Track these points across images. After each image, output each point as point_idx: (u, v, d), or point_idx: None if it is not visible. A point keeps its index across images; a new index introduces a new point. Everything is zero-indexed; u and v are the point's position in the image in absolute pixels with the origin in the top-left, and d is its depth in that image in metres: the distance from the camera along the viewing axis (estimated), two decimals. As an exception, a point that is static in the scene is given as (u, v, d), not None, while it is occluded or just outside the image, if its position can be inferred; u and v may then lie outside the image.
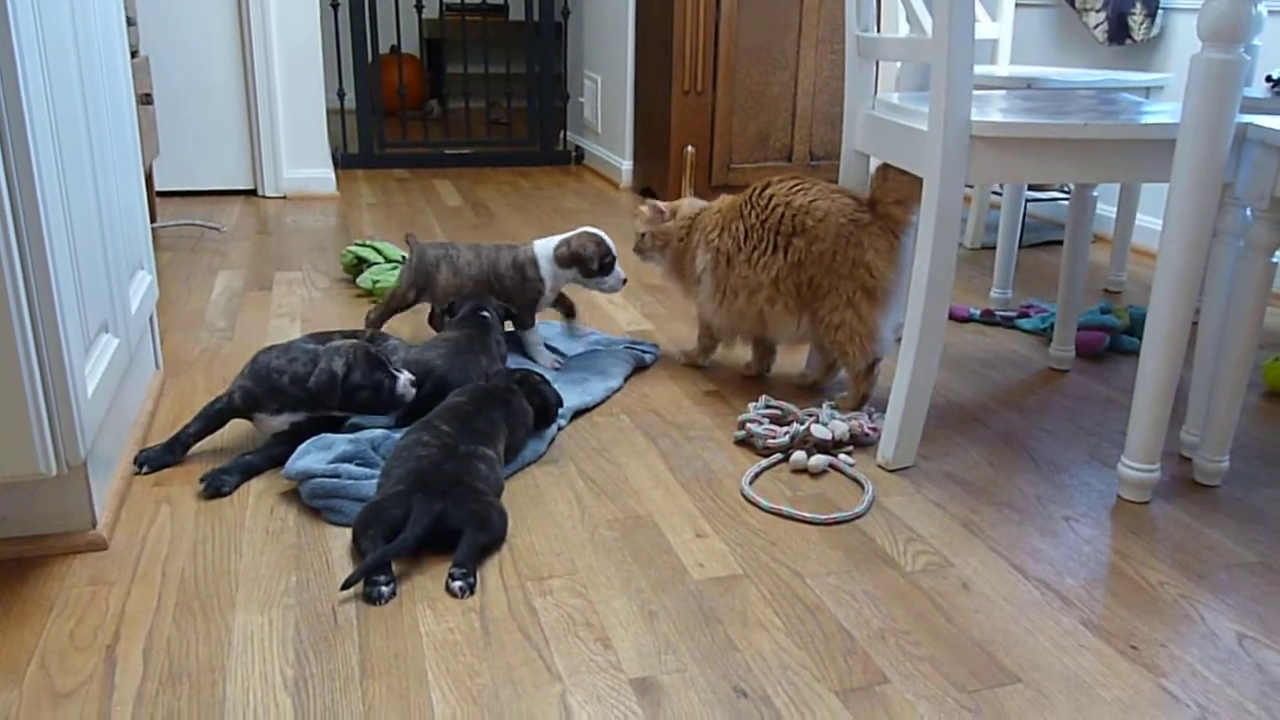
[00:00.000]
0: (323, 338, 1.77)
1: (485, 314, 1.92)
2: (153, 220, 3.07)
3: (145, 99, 2.87)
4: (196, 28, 3.60)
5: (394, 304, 2.10)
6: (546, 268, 2.03)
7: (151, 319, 1.88)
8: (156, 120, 3.50)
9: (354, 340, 1.66)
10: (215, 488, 1.51)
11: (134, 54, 2.82)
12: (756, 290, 1.87)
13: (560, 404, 1.71)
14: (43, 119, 1.21)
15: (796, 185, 1.86)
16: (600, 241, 2.04)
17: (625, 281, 2.07)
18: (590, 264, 2.02)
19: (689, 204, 2.06)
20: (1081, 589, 1.33)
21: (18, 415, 1.20)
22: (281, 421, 1.60)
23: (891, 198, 1.77)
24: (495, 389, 1.60)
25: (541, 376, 1.71)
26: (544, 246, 2.05)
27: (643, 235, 2.05)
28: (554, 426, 1.73)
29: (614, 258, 2.05)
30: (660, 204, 2.05)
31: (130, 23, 2.80)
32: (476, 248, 2.08)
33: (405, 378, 1.60)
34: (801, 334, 1.89)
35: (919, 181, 1.59)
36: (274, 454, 1.58)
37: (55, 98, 1.27)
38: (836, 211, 1.80)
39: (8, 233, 1.14)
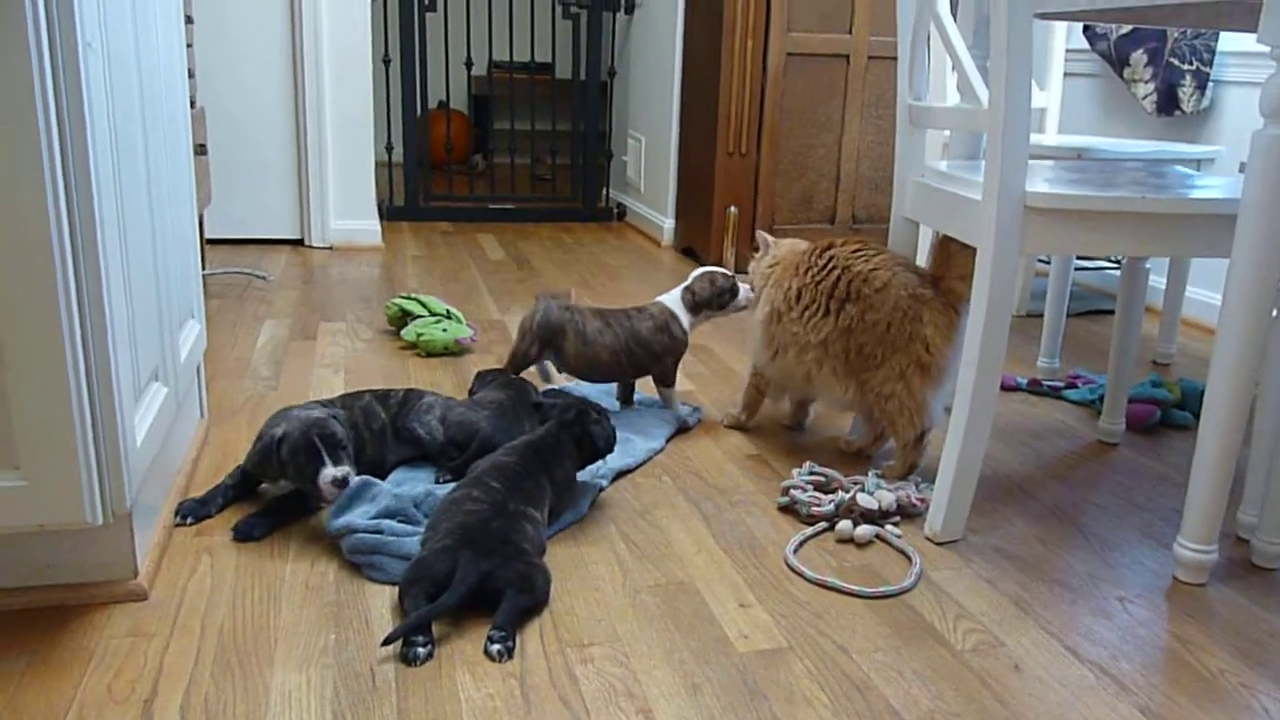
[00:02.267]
0: (354, 396, 1.77)
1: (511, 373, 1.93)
2: (202, 268, 3.11)
3: (200, 149, 2.93)
4: (251, 79, 3.68)
5: (516, 363, 2.05)
6: (685, 320, 2.07)
7: (199, 367, 1.90)
8: (209, 170, 3.56)
9: (313, 417, 1.56)
10: (246, 533, 1.52)
11: (191, 105, 2.89)
12: (805, 349, 1.85)
13: (612, 445, 1.65)
14: (107, 169, 1.23)
15: (859, 250, 1.84)
16: (715, 274, 2.08)
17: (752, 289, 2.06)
18: (724, 297, 2.07)
19: (788, 245, 2.00)
20: (1138, 674, 1.28)
21: (68, 464, 1.20)
22: (281, 488, 1.62)
23: (955, 273, 1.75)
24: (541, 449, 1.58)
25: (599, 413, 1.65)
26: (674, 300, 2.08)
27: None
28: (595, 485, 1.71)
29: (734, 278, 2.10)
30: (767, 238, 2.04)
31: (189, 75, 2.87)
32: (603, 314, 2.05)
33: (332, 474, 1.51)
34: (849, 400, 1.86)
35: None
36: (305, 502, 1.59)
37: (120, 149, 1.29)
38: (898, 285, 1.77)
39: (68, 280, 1.16)
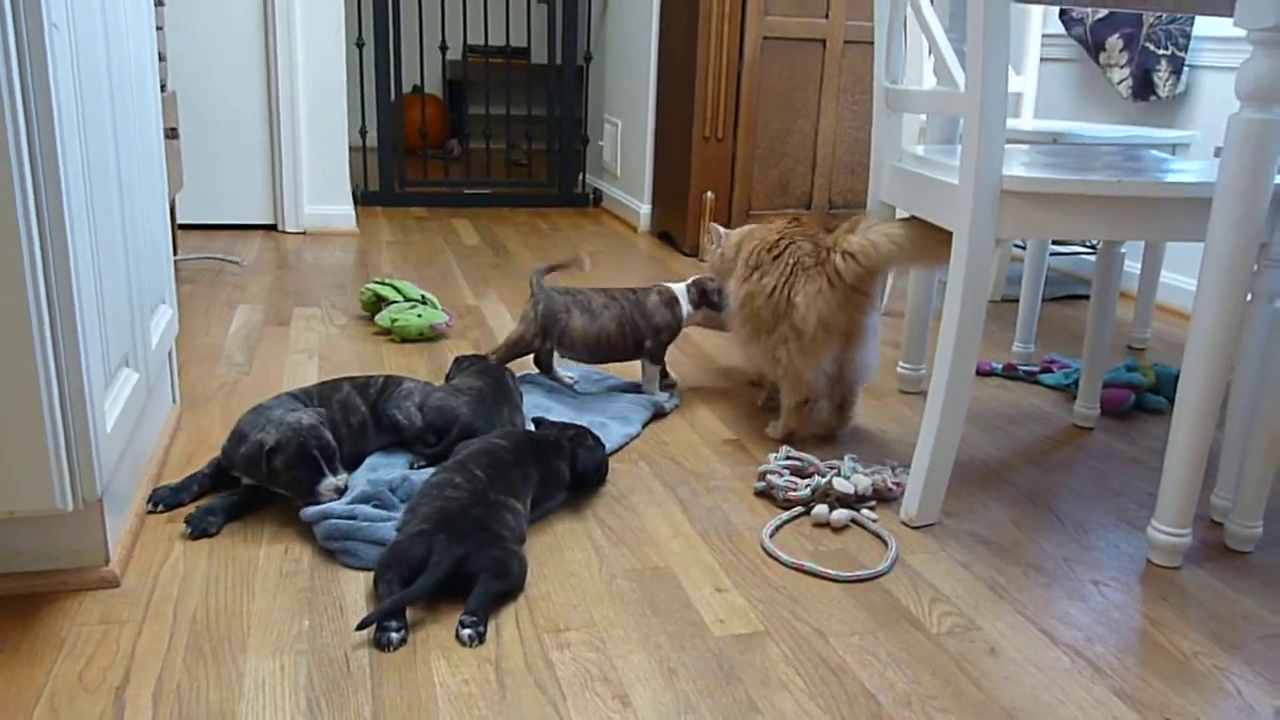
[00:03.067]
0: (332, 386, 1.75)
1: (486, 359, 1.92)
2: (174, 253, 3.07)
3: (171, 133, 2.89)
4: (224, 63, 3.63)
5: (517, 350, 2.07)
6: (686, 307, 2.13)
7: (170, 353, 1.88)
8: (181, 154, 3.52)
9: (305, 425, 1.53)
10: (201, 529, 1.48)
11: (162, 88, 2.85)
12: (734, 318, 1.98)
13: (604, 475, 1.67)
14: (74, 151, 1.20)
15: (785, 224, 1.93)
16: (713, 280, 2.15)
17: None
18: (718, 295, 2.13)
19: (740, 232, 2.10)
20: (1113, 657, 1.29)
21: (36, 450, 1.18)
22: (251, 483, 1.56)
23: (844, 247, 1.79)
24: (541, 443, 1.57)
25: (595, 441, 1.67)
26: (679, 289, 2.15)
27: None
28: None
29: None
30: (719, 229, 2.17)
31: (160, 58, 2.83)
32: (607, 291, 2.11)
33: (333, 483, 1.51)
34: (760, 364, 1.96)
35: (896, 246, 1.72)
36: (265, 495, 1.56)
37: (88, 131, 1.27)
38: (789, 254, 1.85)
39: (35, 265, 1.14)
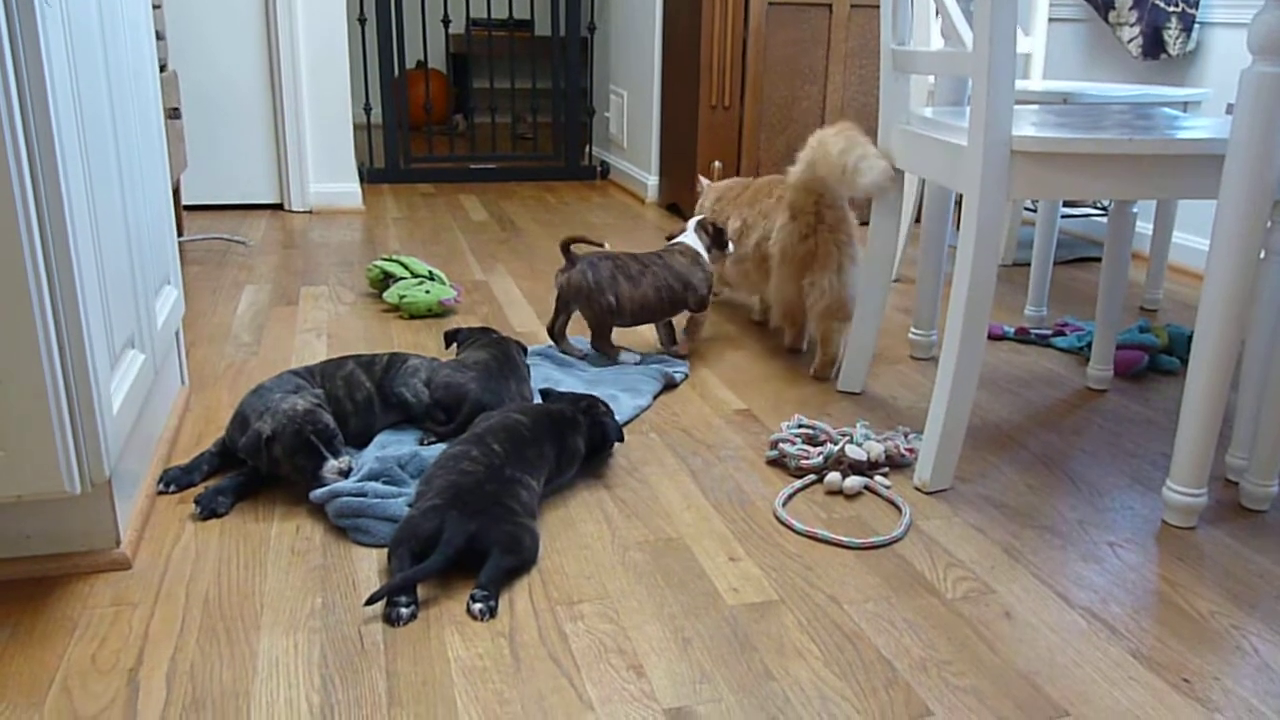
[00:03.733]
0: (336, 364, 1.74)
1: (494, 331, 1.91)
2: (179, 234, 3.07)
3: (173, 113, 2.87)
4: (224, 42, 3.61)
5: (557, 330, 2.16)
6: (705, 255, 2.23)
7: (177, 334, 1.87)
8: (184, 134, 3.51)
9: (300, 410, 1.51)
10: (211, 509, 1.48)
11: (162, 68, 2.83)
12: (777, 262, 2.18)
13: (620, 439, 1.67)
14: (71, 132, 1.19)
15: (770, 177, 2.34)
16: (712, 220, 2.31)
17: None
18: (724, 235, 2.27)
19: (723, 184, 2.49)
20: (1129, 618, 1.28)
21: (43, 432, 1.18)
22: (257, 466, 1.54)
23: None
24: (559, 418, 1.57)
25: (606, 407, 1.67)
26: (691, 239, 2.24)
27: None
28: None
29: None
30: (705, 179, 2.57)
31: (159, 37, 2.81)
32: (634, 255, 2.16)
33: (335, 465, 1.50)
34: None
35: (803, 164, 1.95)
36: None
37: (84, 111, 1.26)
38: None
39: (34, 248, 1.13)
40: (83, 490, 1.24)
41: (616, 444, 1.71)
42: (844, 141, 1.86)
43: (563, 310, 2.14)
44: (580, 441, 1.59)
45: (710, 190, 2.53)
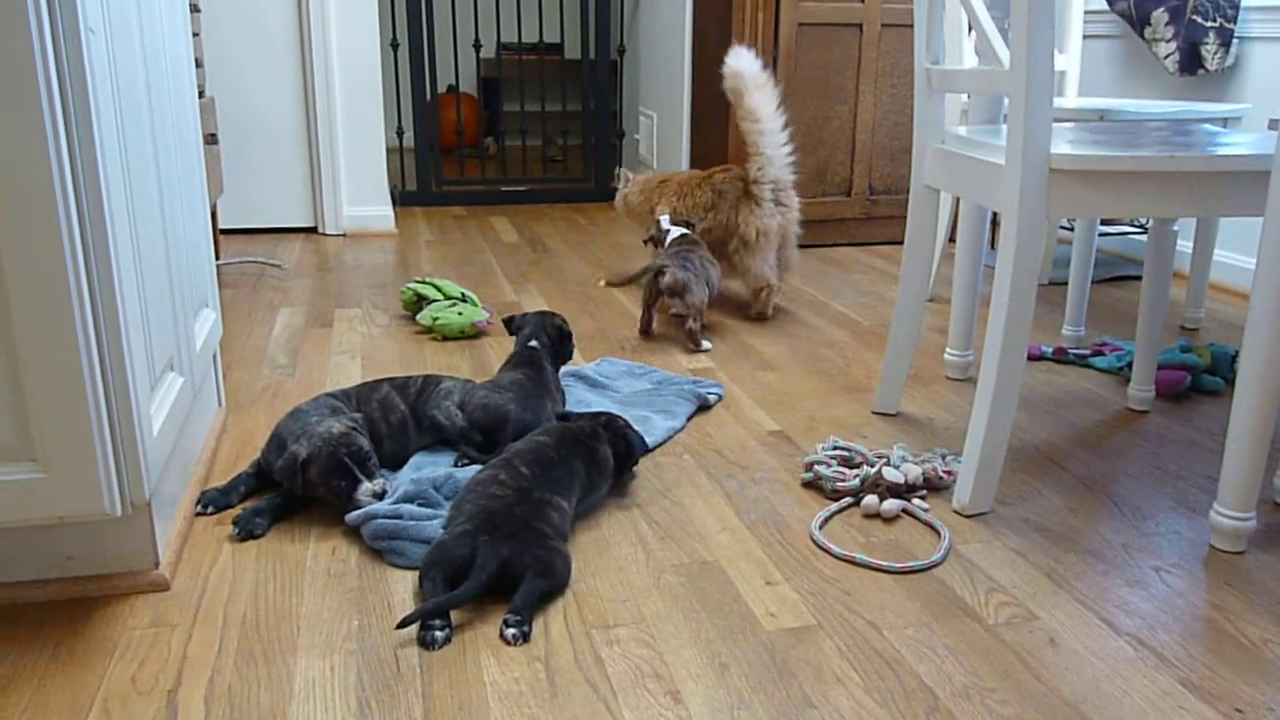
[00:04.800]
0: (371, 386, 1.75)
1: (535, 346, 1.91)
2: (216, 258, 3.10)
3: (210, 139, 2.91)
4: (260, 69, 3.66)
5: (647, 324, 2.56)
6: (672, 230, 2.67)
7: (215, 356, 1.89)
8: (221, 159, 3.55)
9: (335, 433, 1.52)
10: (248, 530, 1.48)
11: (200, 95, 2.87)
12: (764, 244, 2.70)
13: (645, 449, 1.66)
14: (114, 156, 1.21)
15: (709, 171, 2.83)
16: (675, 215, 2.78)
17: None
18: (695, 227, 2.69)
19: (643, 179, 2.98)
20: (1177, 645, 1.26)
21: (84, 455, 1.19)
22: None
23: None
24: (582, 434, 1.56)
25: (626, 421, 1.66)
26: (680, 230, 2.65)
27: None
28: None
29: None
30: (627, 172, 3.03)
31: (198, 64, 2.85)
32: (683, 254, 2.51)
33: (370, 488, 1.50)
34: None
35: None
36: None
37: (127, 136, 1.27)
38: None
39: (79, 270, 1.14)
40: (123, 512, 1.24)
41: (645, 462, 1.70)
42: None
43: (650, 305, 2.52)
44: (607, 450, 1.58)
45: (634, 182, 3.00)
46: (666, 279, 2.40)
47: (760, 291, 2.69)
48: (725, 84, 2.68)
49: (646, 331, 2.54)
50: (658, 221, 2.71)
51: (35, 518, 1.21)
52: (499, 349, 2.39)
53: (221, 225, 3.69)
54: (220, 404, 1.94)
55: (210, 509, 1.55)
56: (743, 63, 2.65)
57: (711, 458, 1.80)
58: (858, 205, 3.67)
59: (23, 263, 1.12)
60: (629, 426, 1.65)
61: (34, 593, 1.30)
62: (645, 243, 2.75)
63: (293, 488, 1.52)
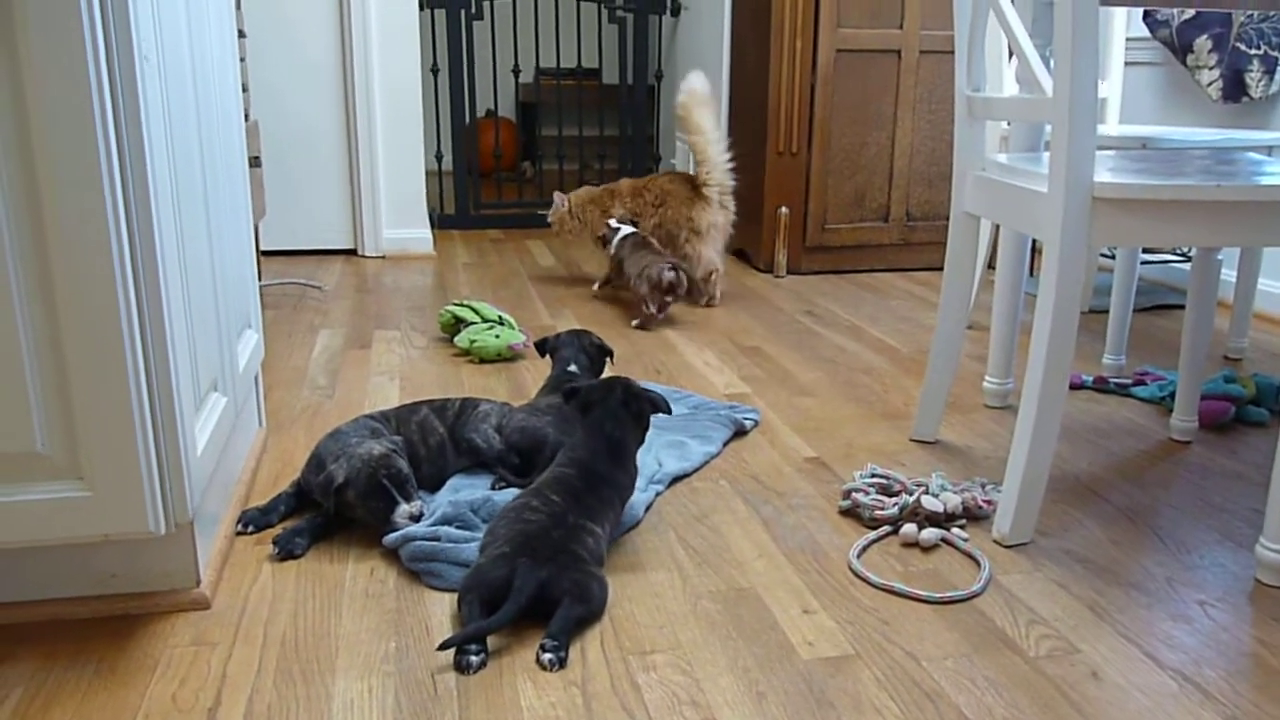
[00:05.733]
0: (410, 409, 1.76)
1: (575, 371, 1.93)
2: (258, 279, 3.14)
3: (254, 161, 2.96)
4: (303, 93, 3.72)
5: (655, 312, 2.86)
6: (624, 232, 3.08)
7: (256, 377, 1.91)
8: (264, 182, 3.60)
9: (375, 455, 1.53)
10: (288, 550, 1.49)
11: (245, 118, 2.91)
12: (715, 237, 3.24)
13: (667, 409, 1.57)
14: (164, 180, 1.23)
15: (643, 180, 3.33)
16: (621, 220, 3.19)
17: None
18: (638, 224, 3.17)
19: (583, 192, 3.39)
20: (1223, 681, 1.23)
21: (130, 474, 1.21)
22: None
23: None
24: (605, 454, 1.50)
25: (635, 386, 1.58)
26: (633, 229, 3.10)
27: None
28: (651, 490, 1.69)
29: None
30: (560, 195, 3.36)
31: (243, 89, 2.90)
32: (657, 251, 3.00)
33: (408, 510, 1.51)
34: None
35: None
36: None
37: (177, 160, 1.30)
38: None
39: (128, 291, 1.16)
40: (167, 531, 1.26)
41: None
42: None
43: (660, 302, 2.83)
44: (630, 477, 1.54)
45: (576, 195, 3.38)
46: (669, 277, 2.77)
47: (710, 274, 3.13)
48: (678, 100, 3.13)
49: (647, 325, 2.85)
50: (608, 223, 3.13)
51: (80, 535, 1.23)
52: (535, 372, 2.40)
53: (263, 247, 3.74)
54: (261, 424, 1.96)
55: (251, 528, 1.57)
56: (694, 83, 3.10)
57: (748, 484, 1.79)
58: (895, 231, 3.66)
59: (74, 285, 1.14)
60: (643, 392, 1.57)
61: (77, 610, 1.32)
62: (595, 240, 3.19)
63: (329, 507, 1.53)
